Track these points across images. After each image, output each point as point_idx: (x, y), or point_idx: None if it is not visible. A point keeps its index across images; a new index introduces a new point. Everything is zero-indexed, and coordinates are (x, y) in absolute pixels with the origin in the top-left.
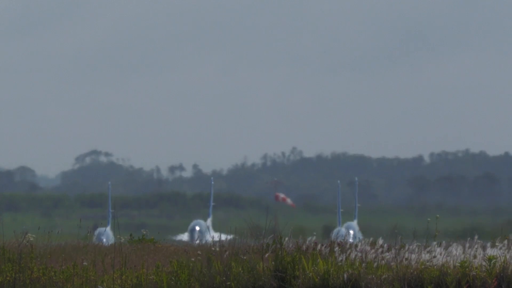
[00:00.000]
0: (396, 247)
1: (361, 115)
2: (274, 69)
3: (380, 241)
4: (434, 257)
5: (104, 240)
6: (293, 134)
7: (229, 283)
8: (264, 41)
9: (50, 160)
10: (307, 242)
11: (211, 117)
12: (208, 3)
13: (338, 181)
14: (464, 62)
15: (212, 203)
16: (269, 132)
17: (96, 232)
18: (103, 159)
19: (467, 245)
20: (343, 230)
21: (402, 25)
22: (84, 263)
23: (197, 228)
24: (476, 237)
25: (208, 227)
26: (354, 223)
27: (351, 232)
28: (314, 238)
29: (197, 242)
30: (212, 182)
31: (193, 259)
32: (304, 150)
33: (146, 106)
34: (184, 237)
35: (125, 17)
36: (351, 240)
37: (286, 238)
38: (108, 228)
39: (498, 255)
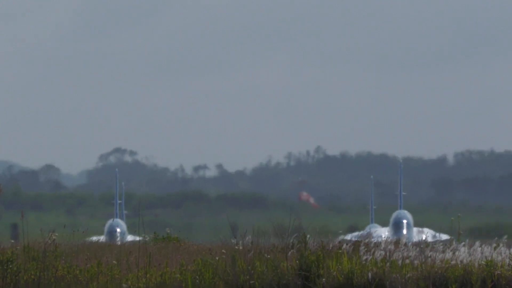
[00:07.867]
0: (421, 246)
1: (386, 114)
2: (325, 68)
3: (404, 240)
4: (462, 254)
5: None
6: (318, 132)
7: (253, 282)
8: (320, 40)
9: (74, 158)
10: (332, 241)
11: (236, 116)
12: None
13: (371, 176)
14: (492, 62)
15: (124, 212)
16: (293, 130)
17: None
18: (127, 158)
19: (492, 244)
20: (376, 226)
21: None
22: (113, 262)
23: (118, 229)
24: (504, 236)
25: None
26: (406, 212)
27: (405, 221)
28: (340, 237)
29: (118, 243)
30: (124, 186)
31: (217, 258)
32: (328, 149)
33: (172, 105)
34: (101, 238)
35: (183, 21)
36: (404, 232)
37: (309, 237)
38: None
39: None
